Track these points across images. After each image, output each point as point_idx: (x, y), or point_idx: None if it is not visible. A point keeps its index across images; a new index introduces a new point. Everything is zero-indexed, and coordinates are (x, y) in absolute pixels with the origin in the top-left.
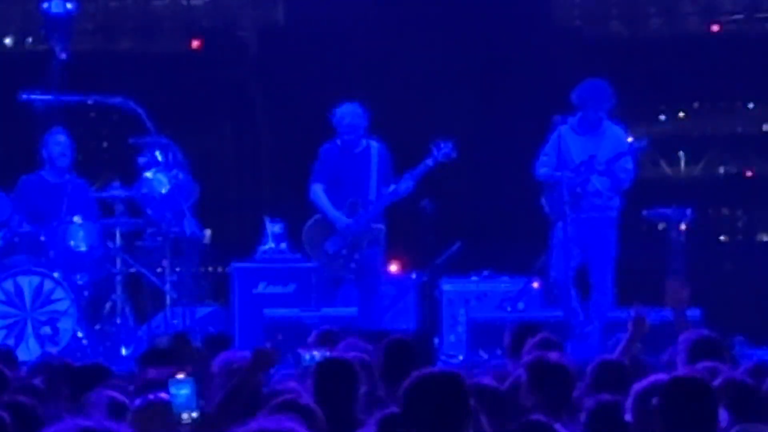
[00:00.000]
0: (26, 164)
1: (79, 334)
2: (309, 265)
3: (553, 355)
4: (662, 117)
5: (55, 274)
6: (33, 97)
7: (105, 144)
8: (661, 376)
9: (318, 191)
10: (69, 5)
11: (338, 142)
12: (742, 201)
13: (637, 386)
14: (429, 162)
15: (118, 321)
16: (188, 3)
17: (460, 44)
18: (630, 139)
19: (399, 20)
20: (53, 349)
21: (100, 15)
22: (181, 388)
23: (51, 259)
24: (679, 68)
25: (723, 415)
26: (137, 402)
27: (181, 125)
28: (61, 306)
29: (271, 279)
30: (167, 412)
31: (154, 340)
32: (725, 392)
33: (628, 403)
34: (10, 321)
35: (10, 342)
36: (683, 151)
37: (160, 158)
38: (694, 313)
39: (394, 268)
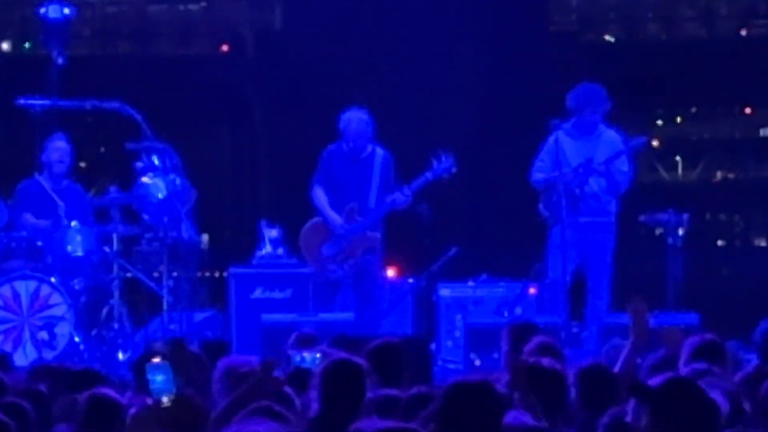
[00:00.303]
0: (24, 169)
1: (76, 339)
2: (306, 270)
3: (547, 361)
4: (659, 122)
5: (53, 279)
6: (30, 102)
7: (102, 149)
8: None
9: (319, 193)
10: (66, 10)
11: (344, 145)
12: (740, 206)
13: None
14: (428, 175)
15: (116, 326)
16: (185, 7)
17: (457, 49)
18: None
19: (397, 24)
20: (50, 354)
21: (97, 20)
22: (158, 373)
23: (48, 264)
24: (677, 73)
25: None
26: (134, 408)
27: (179, 130)
28: (59, 311)
29: (269, 284)
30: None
31: (150, 345)
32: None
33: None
34: (8, 326)
35: (8, 347)
36: (680, 155)
37: (157, 163)
38: (691, 317)
39: (391, 273)
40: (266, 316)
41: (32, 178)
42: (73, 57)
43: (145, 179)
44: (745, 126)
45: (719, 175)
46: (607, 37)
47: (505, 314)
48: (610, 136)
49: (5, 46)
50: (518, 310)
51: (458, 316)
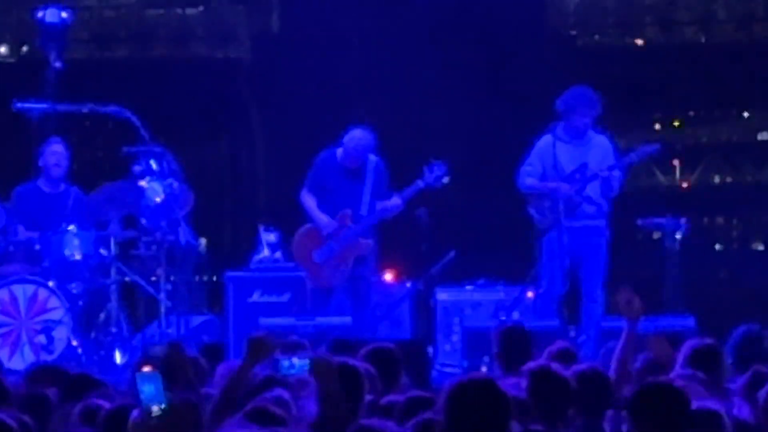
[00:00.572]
0: (21, 173)
1: (74, 343)
2: (303, 274)
3: (556, 366)
4: (657, 126)
5: (50, 283)
6: (28, 105)
7: (100, 153)
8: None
9: (307, 198)
10: (64, 14)
11: (338, 152)
12: (738, 210)
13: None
14: (420, 183)
15: (113, 330)
16: (183, 11)
17: (454, 53)
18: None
19: (394, 28)
20: (48, 358)
21: (94, 24)
22: (149, 382)
23: (46, 268)
24: (675, 77)
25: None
26: (134, 413)
27: (176, 134)
28: (56, 315)
29: (266, 288)
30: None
31: (147, 348)
32: None
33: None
34: (5, 330)
35: (5, 351)
36: (678, 159)
37: (154, 167)
38: (688, 321)
39: (389, 277)
40: (264, 320)
41: (30, 183)
42: (70, 61)
43: (142, 183)
44: (744, 130)
45: (717, 178)
46: (639, 42)
47: (503, 318)
48: (602, 141)
49: (2, 49)
50: (516, 314)
51: (456, 320)
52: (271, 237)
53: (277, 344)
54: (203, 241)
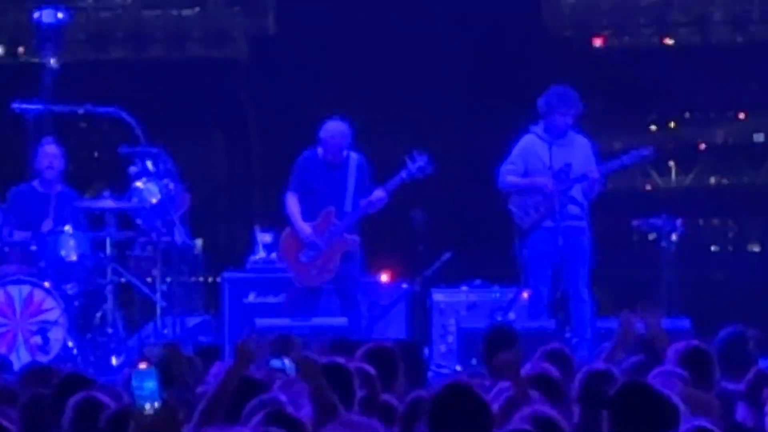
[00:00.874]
0: (18, 174)
1: (70, 344)
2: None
3: (554, 371)
4: (653, 127)
5: (46, 284)
6: (24, 106)
7: (96, 153)
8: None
9: (291, 201)
10: (60, 15)
11: (319, 150)
12: (733, 211)
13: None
14: (403, 175)
15: (109, 331)
16: (179, 12)
17: (450, 55)
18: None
19: (390, 30)
20: (44, 359)
21: (91, 25)
22: (145, 380)
23: (41, 269)
24: (670, 78)
25: None
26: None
27: (172, 134)
28: (52, 315)
29: (262, 289)
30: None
31: (144, 349)
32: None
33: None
34: (1, 331)
35: (1, 351)
36: (674, 161)
37: (150, 168)
38: (683, 322)
39: (384, 278)
40: (260, 321)
41: (26, 184)
42: (67, 62)
43: (138, 184)
44: (739, 131)
45: (713, 180)
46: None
47: (499, 319)
48: (582, 141)
49: None
50: (512, 315)
51: (452, 321)
52: (267, 238)
53: (264, 346)
54: (199, 241)
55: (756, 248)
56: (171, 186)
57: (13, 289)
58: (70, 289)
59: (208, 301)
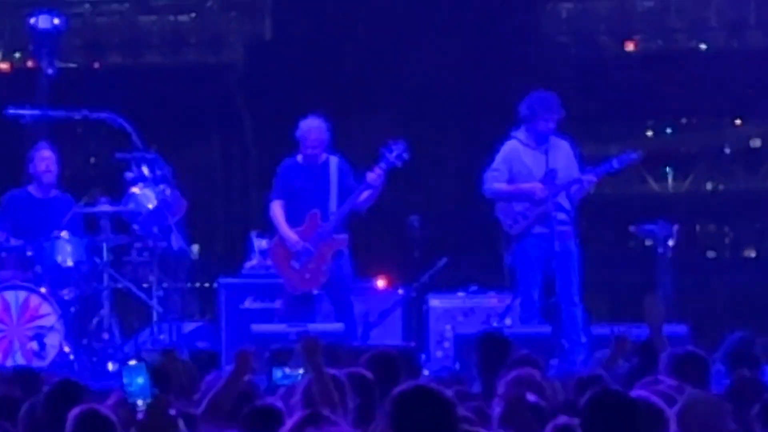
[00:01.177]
0: (14, 179)
1: (66, 350)
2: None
3: (531, 397)
4: (649, 133)
5: (42, 290)
6: (20, 112)
7: (92, 159)
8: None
9: (276, 208)
10: (56, 21)
11: (298, 157)
12: (729, 217)
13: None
14: (382, 165)
15: (105, 336)
16: (175, 18)
17: (446, 61)
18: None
19: (386, 35)
20: (40, 365)
21: (87, 30)
22: (136, 375)
23: (38, 275)
24: (667, 84)
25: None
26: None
27: (169, 140)
28: (48, 321)
29: (258, 294)
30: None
31: (140, 355)
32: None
33: None
34: None
35: None
36: (670, 166)
37: (147, 173)
38: (680, 329)
39: (380, 283)
40: (256, 327)
41: (21, 189)
42: (63, 67)
43: (135, 190)
44: (735, 137)
45: (709, 186)
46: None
47: (495, 325)
48: (564, 145)
49: None
50: (508, 321)
51: (448, 327)
52: (263, 244)
53: (263, 357)
54: (196, 247)
55: (752, 254)
56: (167, 192)
57: (9, 295)
58: (66, 294)
59: (205, 306)
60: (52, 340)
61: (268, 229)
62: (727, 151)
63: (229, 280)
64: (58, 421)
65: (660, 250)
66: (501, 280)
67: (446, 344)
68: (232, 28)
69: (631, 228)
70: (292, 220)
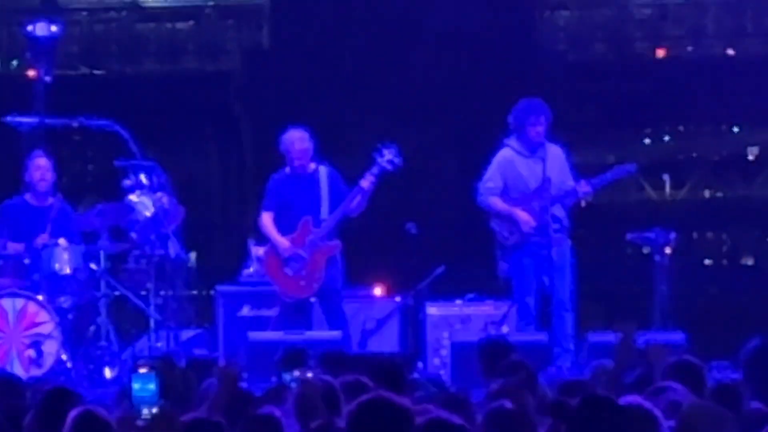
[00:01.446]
0: (11, 187)
1: (64, 357)
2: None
3: (508, 403)
4: (647, 140)
5: (40, 297)
6: (18, 119)
7: (90, 166)
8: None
9: (265, 220)
10: (53, 28)
11: (286, 169)
12: (727, 224)
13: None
14: (374, 171)
15: (103, 344)
16: (173, 25)
17: (443, 70)
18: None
19: (383, 43)
20: (37, 372)
21: (84, 38)
22: (146, 383)
23: (35, 282)
24: (664, 92)
25: None
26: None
27: (166, 148)
28: (46, 329)
29: (256, 302)
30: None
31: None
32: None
33: None
34: None
35: None
36: (668, 174)
37: (144, 181)
38: (677, 336)
39: (378, 291)
40: (253, 334)
41: (18, 197)
42: (60, 75)
43: (132, 197)
44: (733, 145)
45: (707, 193)
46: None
47: (492, 332)
48: (556, 151)
49: None
50: (505, 329)
51: (445, 335)
52: (261, 251)
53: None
54: (193, 255)
55: (750, 261)
56: (165, 199)
57: (6, 302)
58: (64, 302)
59: (202, 314)
60: (50, 348)
61: (264, 239)
62: (725, 158)
63: (227, 287)
64: (50, 429)
65: (657, 257)
66: (498, 288)
67: (443, 352)
68: (229, 35)
69: (629, 235)
70: (285, 230)
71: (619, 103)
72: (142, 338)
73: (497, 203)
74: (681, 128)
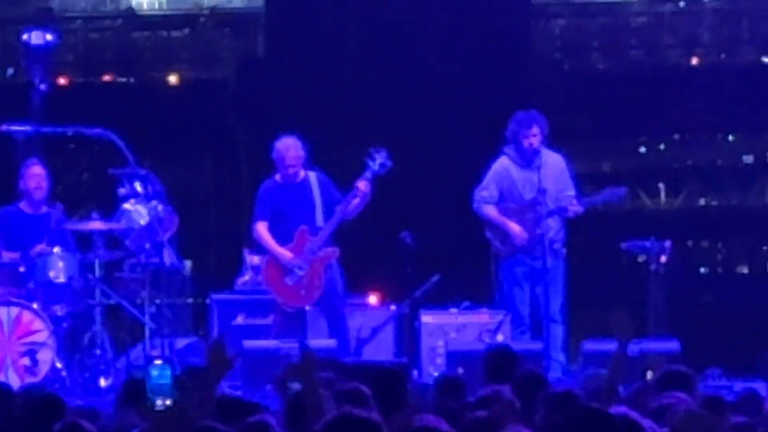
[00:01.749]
0: (6, 195)
1: (59, 365)
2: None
3: (481, 413)
4: (642, 149)
5: (35, 305)
6: (13, 128)
7: (85, 175)
8: None
9: (261, 230)
10: (49, 37)
11: (277, 177)
12: (722, 233)
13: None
14: (368, 175)
15: (98, 352)
16: (168, 35)
17: (439, 79)
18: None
19: (379, 52)
20: (32, 381)
21: (80, 46)
22: (162, 373)
23: (30, 290)
24: (659, 100)
25: None
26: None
27: (161, 156)
28: (41, 337)
29: (250, 311)
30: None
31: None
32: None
33: None
34: None
35: None
36: (663, 182)
37: (139, 189)
38: (672, 344)
39: (373, 300)
40: (248, 343)
41: (12, 205)
42: (55, 83)
43: (127, 206)
44: (728, 153)
45: (702, 202)
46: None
47: (487, 341)
48: (555, 160)
49: None
50: (500, 337)
51: (440, 343)
52: (255, 260)
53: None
54: (188, 263)
55: (745, 270)
56: (160, 208)
57: (1, 311)
58: (58, 310)
59: (197, 322)
60: (45, 356)
61: (259, 248)
62: (720, 167)
63: (222, 296)
64: None
65: (652, 266)
66: (493, 297)
67: (438, 360)
68: (225, 44)
69: (624, 244)
70: (281, 239)
71: (615, 111)
72: (136, 347)
73: (491, 213)
74: (676, 137)
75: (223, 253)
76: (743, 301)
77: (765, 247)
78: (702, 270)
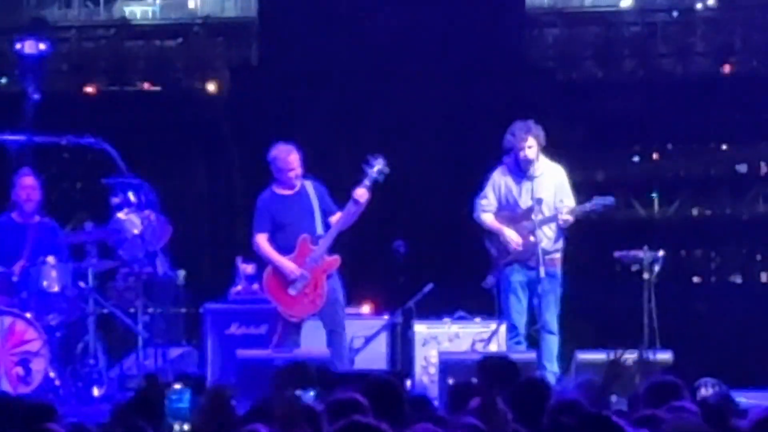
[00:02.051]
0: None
1: (52, 375)
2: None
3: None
4: (636, 158)
5: (28, 315)
6: (5, 137)
7: (78, 184)
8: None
9: (262, 241)
10: (42, 46)
11: (274, 188)
12: (715, 242)
13: None
14: (366, 183)
15: (91, 361)
16: (161, 43)
17: (432, 88)
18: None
19: (372, 62)
20: (25, 390)
21: (73, 55)
22: (181, 398)
23: (23, 300)
24: (653, 109)
25: None
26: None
27: (154, 165)
28: (34, 346)
29: (244, 320)
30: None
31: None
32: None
33: None
34: None
35: None
36: (657, 192)
37: (132, 199)
38: (666, 354)
39: (366, 309)
40: (241, 352)
41: (4, 215)
42: (48, 92)
43: (120, 215)
44: (721, 163)
45: (695, 211)
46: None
47: (481, 350)
48: (554, 170)
49: None
50: (493, 347)
51: (433, 353)
52: (249, 269)
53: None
54: (181, 273)
55: (738, 279)
56: (153, 217)
57: None
58: (52, 319)
59: (190, 332)
60: (38, 366)
61: (255, 256)
62: (713, 176)
63: (215, 305)
64: None
65: (645, 275)
66: (487, 306)
67: (432, 370)
68: (218, 53)
69: (617, 253)
70: (283, 249)
71: (608, 121)
72: (130, 356)
73: (489, 221)
74: (669, 146)
75: (216, 262)
76: (737, 310)
77: (758, 257)
78: (695, 279)
